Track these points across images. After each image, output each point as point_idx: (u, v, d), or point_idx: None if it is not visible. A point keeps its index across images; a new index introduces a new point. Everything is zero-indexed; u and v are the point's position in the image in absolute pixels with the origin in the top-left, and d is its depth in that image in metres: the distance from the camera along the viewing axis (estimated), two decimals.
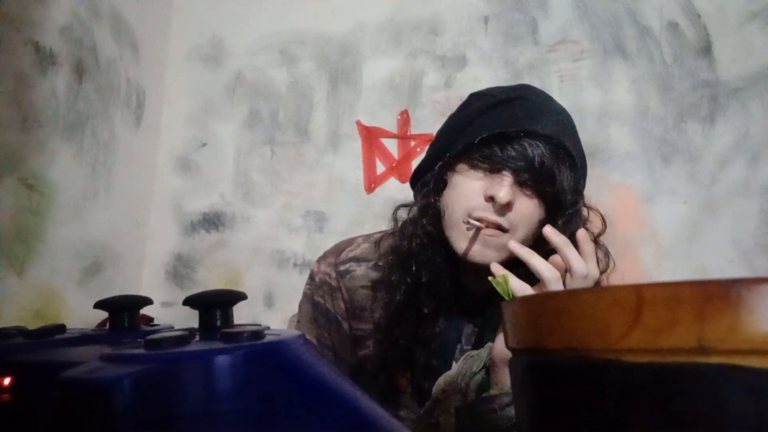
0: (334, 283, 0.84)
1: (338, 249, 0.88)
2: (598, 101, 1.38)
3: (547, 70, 1.41)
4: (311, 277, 0.87)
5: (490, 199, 0.72)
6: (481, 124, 0.75)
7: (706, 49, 1.33)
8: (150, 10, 1.55)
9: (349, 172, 1.51)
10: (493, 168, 0.73)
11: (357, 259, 0.85)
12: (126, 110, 1.44)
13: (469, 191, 0.74)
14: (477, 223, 0.72)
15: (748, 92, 1.29)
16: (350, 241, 0.90)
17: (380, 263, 0.83)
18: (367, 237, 0.89)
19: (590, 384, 0.24)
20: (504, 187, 0.71)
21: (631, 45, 1.38)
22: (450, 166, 0.78)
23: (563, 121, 0.78)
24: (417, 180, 0.85)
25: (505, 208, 0.72)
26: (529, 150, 0.71)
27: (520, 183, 0.72)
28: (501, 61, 1.45)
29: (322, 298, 0.85)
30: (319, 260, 0.88)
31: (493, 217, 0.72)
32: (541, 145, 0.71)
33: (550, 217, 0.75)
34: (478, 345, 0.79)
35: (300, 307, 0.88)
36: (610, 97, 1.37)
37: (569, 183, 0.74)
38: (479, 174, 0.74)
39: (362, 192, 1.50)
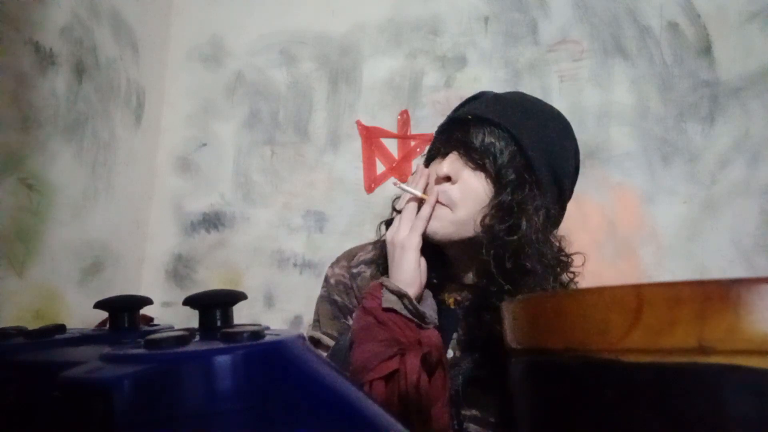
0: (348, 283, 0.90)
1: (351, 254, 0.94)
2: (598, 101, 1.38)
3: (547, 70, 1.41)
4: (326, 281, 0.92)
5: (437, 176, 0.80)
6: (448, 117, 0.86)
7: (706, 49, 1.33)
8: (150, 10, 1.55)
9: (349, 172, 1.51)
10: (446, 151, 0.81)
11: (367, 263, 0.90)
12: (126, 110, 1.44)
13: (418, 170, 0.83)
14: (411, 191, 0.78)
15: (748, 92, 1.29)
16: (362, 247, 0.95)
17: (379, 265, 0.86)
18: (377, 243, 0.92)
19: (590, 384, 0.24)
20: (444, 161, 0.79)
21: (631, 45, 1.38)
22: (429, 160, 0.87)
23: (520, 110, 0.82)
24: None
25: (444, 181, 0.79)
26: (473, 130, 0.79)
27: (465, 159, 0.79)
28: (501, 61, 1.45)
29: (339, 296, 0.89)
30: (333, 265, 0.94)
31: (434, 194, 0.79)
32: (487, 127, 0.79)
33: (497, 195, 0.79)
34: (471, 334, 0.81)
35: (317, 310, 0.92)
36: (610, 97, 1.37)
37: (512, 161, 0.78)
38: (439, 159, 0.82)
39: (362, 192, 1.50)
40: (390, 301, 0.73)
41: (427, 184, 0.81)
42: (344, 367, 0.73)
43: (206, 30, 1.65)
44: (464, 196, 0.78)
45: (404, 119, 1.50)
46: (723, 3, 1.32)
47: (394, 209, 0.88)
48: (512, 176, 0.77)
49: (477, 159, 0.78)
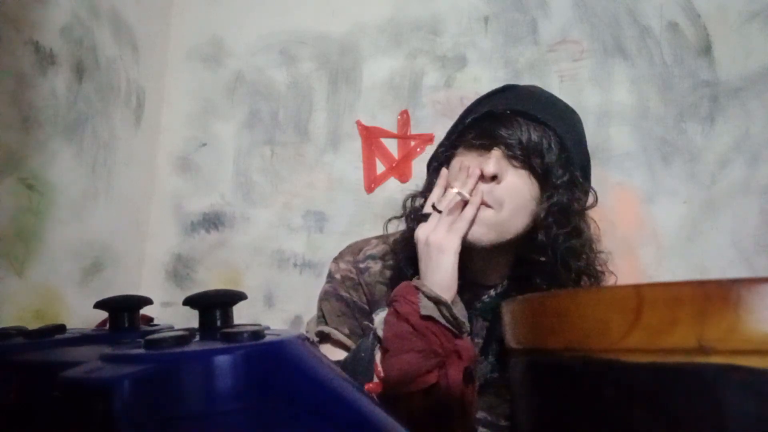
0: (356, 278, 0.86)
1: (357, 248, 0.91)
2: (598, 101, 1.38)
3: (547, 70, 1.41)
4: (331, 276, 0.89)
5: (481, 175, 0.74)
6: (475, 110, 0.81)
7: (706, 49, 1.33)
8: (150, 10, 1.55)
9: (349, 172, 1.51)
10: (485, 145, 0.76)
11: (374, 257, 0.88)
12: (126, 110, 1.44)
13: (463, 169, 0.77)
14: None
15: (748, 92, 1.29)
16: (366, 241, 0.92)
17: (390, 261, 0.85)
18: (383, 238, 0.91)
19: (590, 384, 0.24)
20: (491, 159, 0.74)
21: (631, 45, 1.38)
22: (451, 151, 0.82)
23: (553, 107, 0.80)
24: (430, 166, 0.88)
25: (491, 182, 0.74)
26: (517, 126, 0.75)
27: (509, 157, 0.75)
28: (501, 61, 1.45)
29: (347, 292, 0.86)
30: (337, 260, 0.90)
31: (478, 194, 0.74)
32: (530, 122, 0.75)
33: (541, 197, 0.76)
34: (488, 337, 0.80)
35: (321, 306, 0.88)
36: (610, 97, 1.37)
37: (559, 159, 0.75)
38: (474, 154, 0.78)
39: (362, 192, 1.49)
40: (427, 308, 0.69)
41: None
42: (366, 375, 0.69)
43: (206, 30, 1.65)
44: (510, 196, 0.74)
45: (404, 119, 1.50)
46: (723, 3, 1.32)
47: (404, 208, 0.85)
48: (565, 176, 0.75)
49: (522, 157, 0.74)
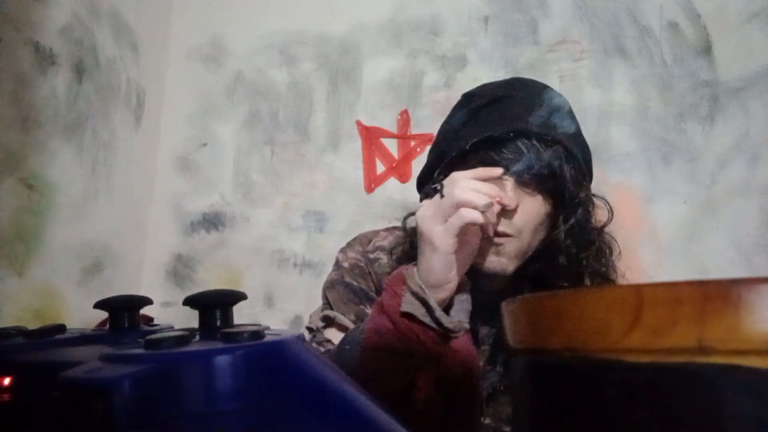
0: (365, 267, 0.84)
1: (366, 239, 0.89)
2: (598, 101, 1.37)
3: (547, 70, 1.41)
4: (338, 264, 0.87)
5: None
6: (471, 129, 0.75)
7: (706, 49, 1.33)
8: (150, 10, 1.55)
9: (349, 172, 1.51)
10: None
11: (383, 249, 0.86)
12: (126, 110, 1.44)
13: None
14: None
15: (748, 92, 1.29)
16: (375, 233, 0.90)
17: (397, 254, 0.83)
18: (390, 230, 0.90)
19: (590, 384, 0.24)
20: (507, 192, 0.70)
21: (631, 45, 1.38)
22: (449, 173, 0.78)
23: (553, 113, 0.76)
24: (421, 187, 0.85)
25: (511, 213, 0.71)
26: (524, 149, 0.70)
27: (521, 183, 0.72)
28: (501, 61, 1.45)
29: (354, 280, 0.84)
30: (344, 249, 0.88)
31: (501, 228, 0.71)
32: (534, 142, 0.71)
33: (556, 211, 0.75)
34: (495, 345, 0.79)
35: (326, 294, 0.86)
36: (610, 97, 1.37)
37: (570, 174, 0.73)
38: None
39: (362, 192, 1.49)
40: (411, 304, 0.64)
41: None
42: (349, 369, 0.66)
43: (206, 30, 1.65)
44: (527, 222, 0.72)
45: (404, 119, 1.50)
46: (723, 3, 1.32)
47: (404, 229, 0.82)
48: (581, 195, 0.73)
49: (534, 183, 0.72)
